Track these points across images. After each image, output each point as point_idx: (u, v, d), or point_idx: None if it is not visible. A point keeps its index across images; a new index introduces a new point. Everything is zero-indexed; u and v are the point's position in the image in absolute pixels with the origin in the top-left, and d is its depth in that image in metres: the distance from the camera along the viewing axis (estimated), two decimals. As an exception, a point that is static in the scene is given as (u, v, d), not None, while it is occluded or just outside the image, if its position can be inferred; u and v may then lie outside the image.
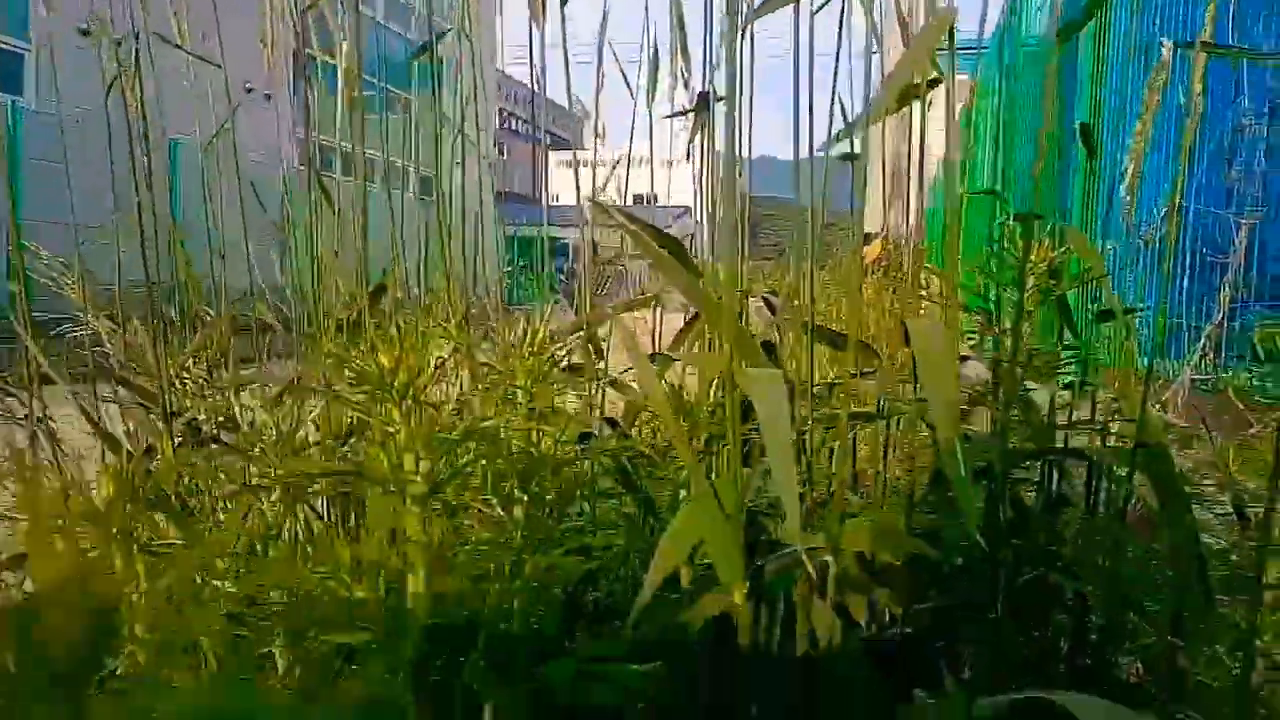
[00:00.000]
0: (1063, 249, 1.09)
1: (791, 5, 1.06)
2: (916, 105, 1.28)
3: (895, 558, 0.83)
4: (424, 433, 0.66)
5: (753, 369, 0.80)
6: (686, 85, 1.70)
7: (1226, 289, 2.96)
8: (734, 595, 0.76)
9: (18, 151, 9.41)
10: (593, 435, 1.16)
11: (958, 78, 1.22)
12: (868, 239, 1.99)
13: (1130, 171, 1.38)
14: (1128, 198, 1.42)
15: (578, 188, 1.63)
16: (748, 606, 0.78)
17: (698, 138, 1.41)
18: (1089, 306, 2.11)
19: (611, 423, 1.27)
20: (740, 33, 1.00)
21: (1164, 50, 1.43)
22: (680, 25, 1.61)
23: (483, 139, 2.08)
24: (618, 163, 1.96)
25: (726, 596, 0.77)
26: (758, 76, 1.38)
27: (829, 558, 0.80)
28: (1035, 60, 5.05)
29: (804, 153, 1.29)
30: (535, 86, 1.66)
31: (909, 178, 1.55)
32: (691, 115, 1.48)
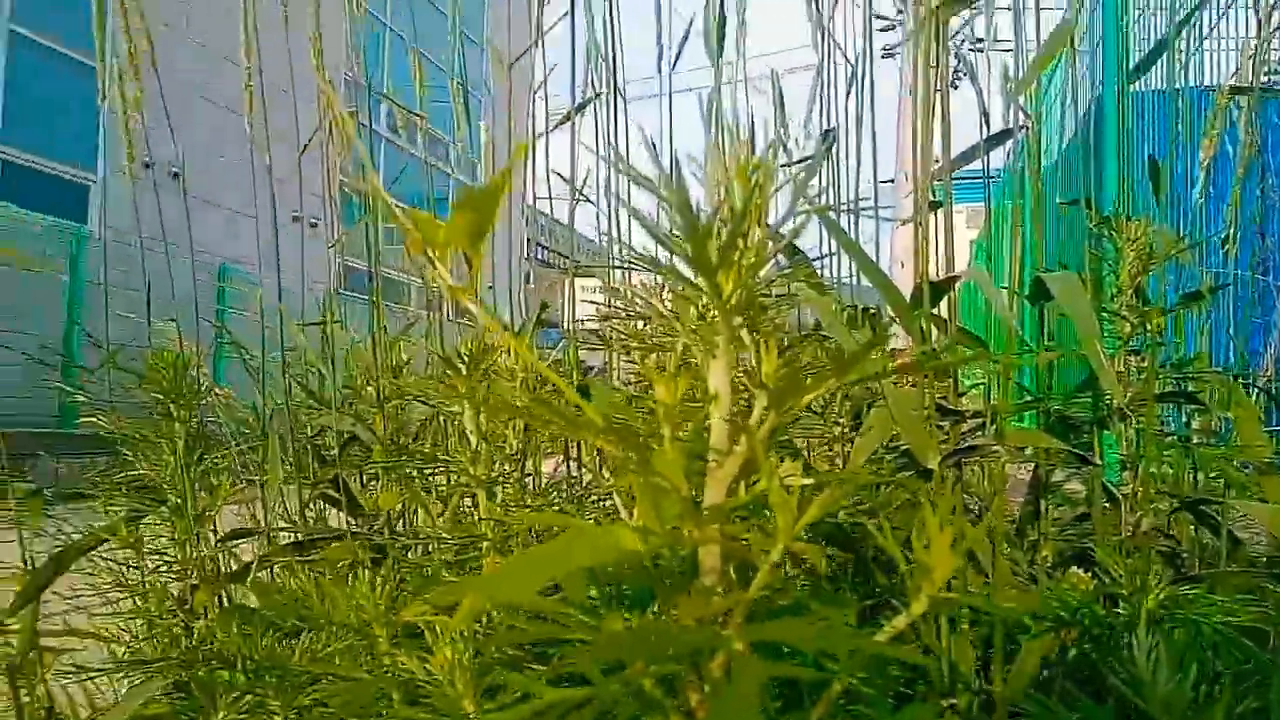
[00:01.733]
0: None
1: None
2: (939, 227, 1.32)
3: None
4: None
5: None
6: (785, 148, 1.78)
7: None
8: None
9: (80, 275, 9.87)
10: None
11: (973, 206, 1.26)
12: (894, 354, 2.00)
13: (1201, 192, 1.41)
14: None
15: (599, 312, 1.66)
16: None
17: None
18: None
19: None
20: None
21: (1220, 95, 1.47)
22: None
23: (516, 264, 2.15)
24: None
25: None
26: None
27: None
28: (1056, 166, 5.16)
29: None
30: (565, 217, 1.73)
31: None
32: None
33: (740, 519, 0.45)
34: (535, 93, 2.17)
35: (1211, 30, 3.81)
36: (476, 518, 0.97)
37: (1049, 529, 1.22)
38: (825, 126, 1.46)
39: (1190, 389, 1.33)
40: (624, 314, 0.99)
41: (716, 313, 0.43)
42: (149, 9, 1.58)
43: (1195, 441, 1.29)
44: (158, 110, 1.77)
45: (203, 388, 1.45)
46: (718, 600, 0.42)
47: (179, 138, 1.75)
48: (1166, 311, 1.16)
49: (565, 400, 0.50)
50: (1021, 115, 1.36)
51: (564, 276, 2.08)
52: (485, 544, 0.91)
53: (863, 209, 1.43)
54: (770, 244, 0.44)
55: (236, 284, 10.41)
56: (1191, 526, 1.33)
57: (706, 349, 0.44)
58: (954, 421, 1.07)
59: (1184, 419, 1.52)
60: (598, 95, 1.66)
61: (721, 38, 1.60)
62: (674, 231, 0.41)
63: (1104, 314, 1.15)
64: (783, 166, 1.71)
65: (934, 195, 1.50)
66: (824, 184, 1.55)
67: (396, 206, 0.47)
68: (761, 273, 0.49)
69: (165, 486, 1.38)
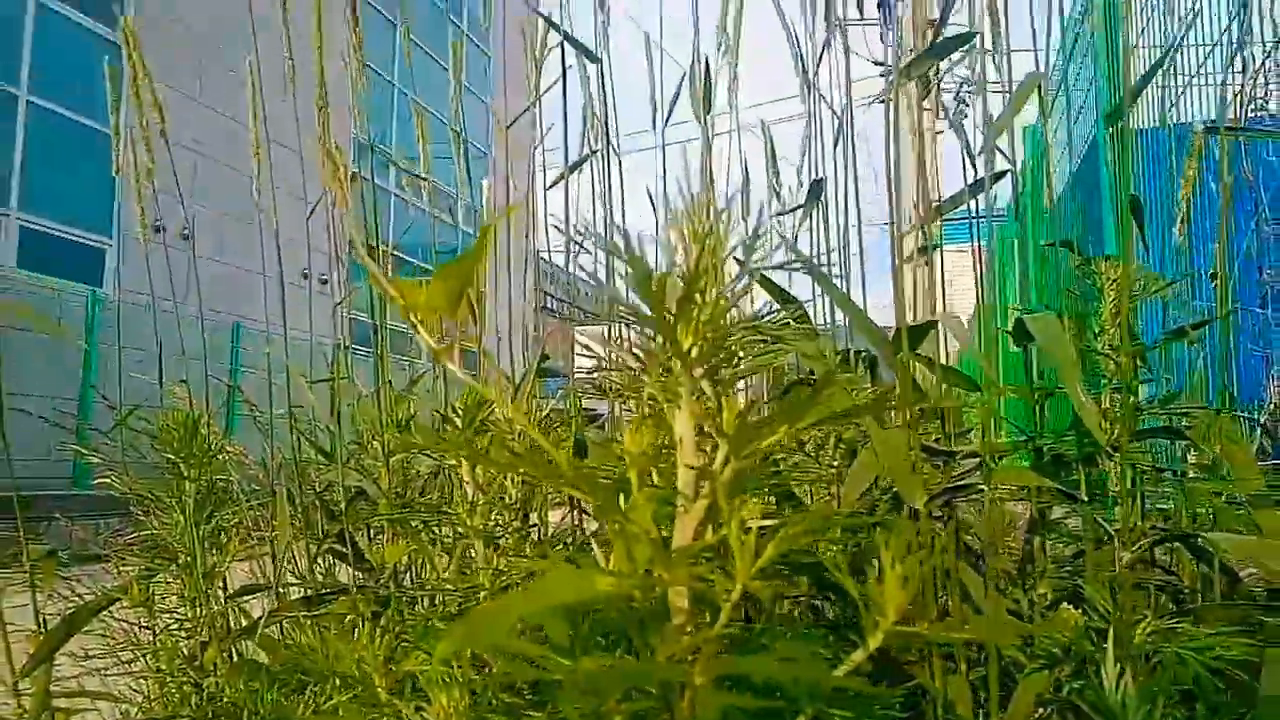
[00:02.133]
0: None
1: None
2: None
3: None
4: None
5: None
6: (779, 196, 1.84)
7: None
8: None
9: (95, 336, 10.01)
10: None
11: (969, 245, 1.30)
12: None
13: (1179, 229, 1.44)
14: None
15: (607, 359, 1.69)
16: None
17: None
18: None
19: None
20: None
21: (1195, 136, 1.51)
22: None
23: (523, 314, 2.19)
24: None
25: None
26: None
27: None
28: (1060, 203, 5.22)
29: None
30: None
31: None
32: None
33: (707, 559, 0.48)
34: (535, 149, 2.24)
35: (1200, 68, 3.87)
36: (476, 568, 0.99)
37: (1047, 566, 1.23)
38: (815, 176, 1.51)
39: (1184, 423, 1.35)
40: (619, 364, 1.02)
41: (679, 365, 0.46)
42: (163, 74, 1.65)
43: (1188, 476, 1.30)
44: (171, 174, 1.83)
45: (213, 446, 1.48)
46: (686, 639, 0.44)
47: (191, 199, 1.81)
48: (1150, 348, 1.18)
49: (556, 451, 0.52)
50: (1003, 160, 1.40)
51: (568, 325, 2.11)
52: (483, 593, 0.93)
53: (851, 254, 1.46)
54: (729, 299, 0.47)
55: (248, 342, 10.53)
56: (1193, 562, 1.34)
57: (671, 399, 0.47)
58: (944, 461, 1.09)
59: (1179, 454, 1.53)
60: (593, 153, 1.71)
61: (708, 98, 1.65)
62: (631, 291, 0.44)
63: (1091, 352, 1.17)
64: (776, 215, 1.75)
65: (925, 239, 1.54)
66: (815, 229, 1.59)
67: (382, 273, 0.50)
68: (736, 318, 0.52)
69: (176, 545, 1.41)
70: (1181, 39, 3.25)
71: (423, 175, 1.98)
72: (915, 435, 0.91)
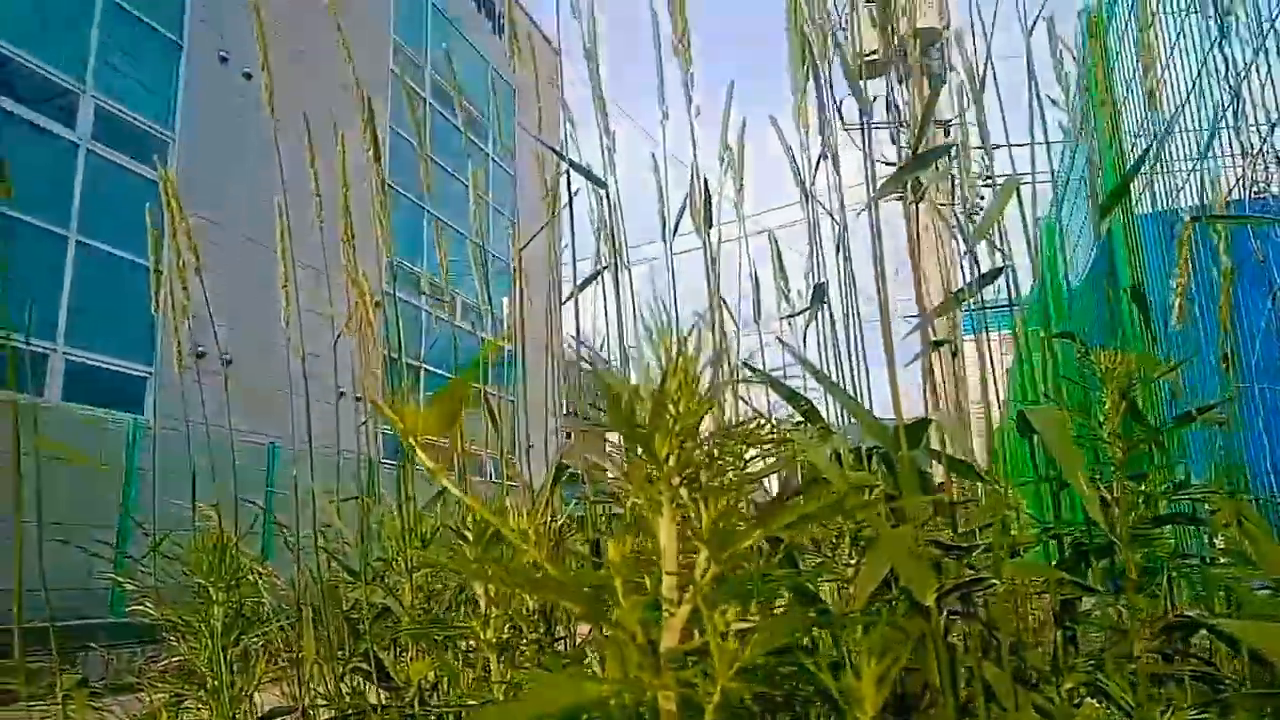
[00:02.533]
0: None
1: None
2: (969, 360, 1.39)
3: None
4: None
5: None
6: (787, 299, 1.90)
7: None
8: None
9: (134, 463, 10.18)
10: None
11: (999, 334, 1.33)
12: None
13: (1177, 316, 1.44)
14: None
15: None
16: None
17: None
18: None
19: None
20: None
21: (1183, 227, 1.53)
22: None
23: (551, 421, 2.24)
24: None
25: None
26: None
27: None
28: (1076, 294, 5.23)
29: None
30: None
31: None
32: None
33: (694, 662, 0.50)
34: (555, 266, 2.33)
35: (1205, 152, 3.92)
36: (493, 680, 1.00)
37: (1075, 660, 1.20)
38: (817, 281, 1.56)
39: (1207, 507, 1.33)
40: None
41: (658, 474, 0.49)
42: (199, 202, 1.76)
43: (1213, 561, 1.28)
44: (208, 300, 1.92)
45: (241, 568, 1.51)
46: (674, 741, 0.46)
47: (229, 324, 1.91)
48: (1157, 432, 1.19)
49: (577, 561, 0.55)
50: (1000, 258, 1.44)
51: (593, 430, 2.14)
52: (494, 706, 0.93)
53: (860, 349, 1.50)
54: (703, 409, 0.51)
55: (285, 461, 10.64)
56: (1229, 651, 1.30)
57: (653, 508, 0.50)
58: (957, 556, 1.09)
59: (1205, 540, 1.51)
60: (604, 268, 1.78)
61: (709, 214, 1.73)
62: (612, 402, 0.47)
63: (1098, 441, 1.18)
64: (784, 318, 1.79)
65: (934, 334, 1.58)
66: (822, 330, 1.63)
67: (382, 402, 0.54)
68: (722, 422, 0.55)
69: (204, 669, 1.42)
70: (1169, 128, 3.33)
71: (445, 300, 2.07)
72: (920, 531, 0.91)
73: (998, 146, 1.54)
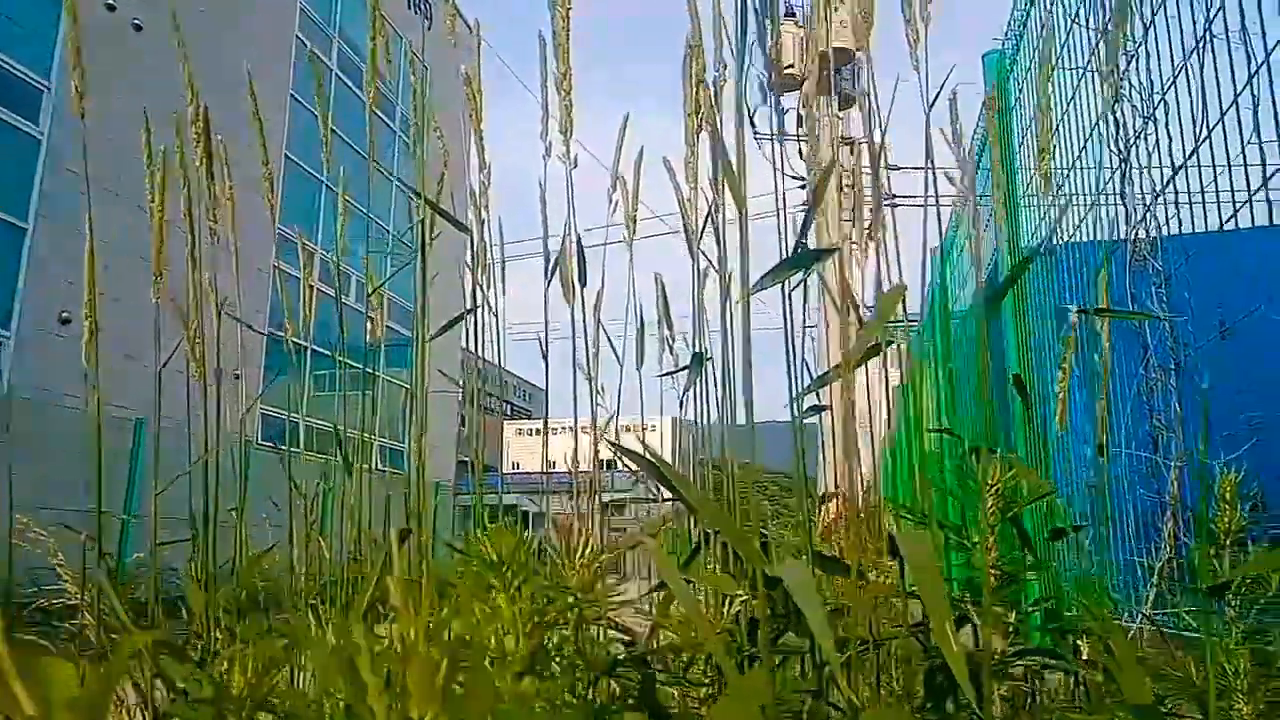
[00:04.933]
0: (1011, 473, 1.08)
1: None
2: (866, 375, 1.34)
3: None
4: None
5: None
6: (671, 350, 1.83)
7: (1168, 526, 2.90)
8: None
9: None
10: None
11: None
12: (824, 499, 1.99)
13: (1059, 418, 1.41)
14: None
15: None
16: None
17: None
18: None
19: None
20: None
21: (1072, 316, 1.50)
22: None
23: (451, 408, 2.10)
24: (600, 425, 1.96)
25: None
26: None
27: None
28: (965, 326, 5.34)
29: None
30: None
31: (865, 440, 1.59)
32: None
33: None
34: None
35: (1102, 189, 3.98)
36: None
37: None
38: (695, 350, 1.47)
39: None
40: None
41: None
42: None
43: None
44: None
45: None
46: None
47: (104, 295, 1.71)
48: (1025, 559, 1.14)
49: None
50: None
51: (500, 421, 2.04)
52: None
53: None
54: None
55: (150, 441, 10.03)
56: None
57: None
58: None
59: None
60: (475, 308, 1.66)
61: (583, 275, 1.63)
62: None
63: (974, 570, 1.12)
64: (663, 375, 1.69)
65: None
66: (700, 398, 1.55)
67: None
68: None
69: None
70: (1063, 210, 3.40)
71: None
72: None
73: (896, 169, 1.47)
